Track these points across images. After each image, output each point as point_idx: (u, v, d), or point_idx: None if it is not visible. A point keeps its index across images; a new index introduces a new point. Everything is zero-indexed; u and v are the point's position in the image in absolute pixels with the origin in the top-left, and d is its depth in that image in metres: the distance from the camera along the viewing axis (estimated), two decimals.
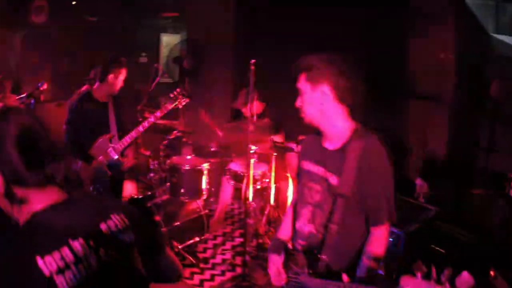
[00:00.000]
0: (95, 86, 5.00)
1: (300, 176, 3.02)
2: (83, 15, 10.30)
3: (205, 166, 5.93)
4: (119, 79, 5.02)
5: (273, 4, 7.89)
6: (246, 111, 6.33)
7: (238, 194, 6.80)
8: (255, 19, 8.54)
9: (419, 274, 1.92)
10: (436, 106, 6.34)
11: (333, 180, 2.68)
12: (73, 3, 9.93)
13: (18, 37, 9.14)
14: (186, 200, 5.86)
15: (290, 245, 3.06)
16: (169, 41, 11.37)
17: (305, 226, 2.87)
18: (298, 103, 2.80)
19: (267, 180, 6.06)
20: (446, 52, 6.24)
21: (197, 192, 5.90)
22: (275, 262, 2.96)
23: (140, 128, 5.07)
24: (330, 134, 2.78)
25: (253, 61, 4.68)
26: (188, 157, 6.16)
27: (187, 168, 5.78)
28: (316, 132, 2.89)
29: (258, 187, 6.07)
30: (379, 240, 2.68)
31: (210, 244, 6.22)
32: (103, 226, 1.74)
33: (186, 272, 5.53)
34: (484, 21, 6.30)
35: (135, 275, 1.86)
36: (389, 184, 2.70)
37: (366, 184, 2.60)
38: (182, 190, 5.78)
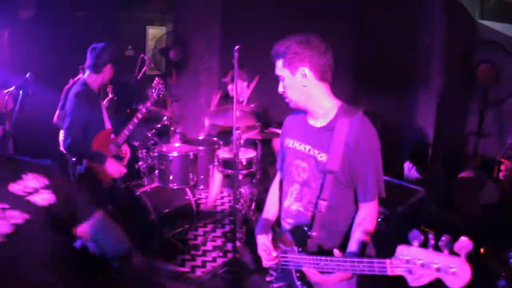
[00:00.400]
0: (89, 77, 4.85)
1: (285, 154, 3.00)
2: (69, 10, 10.25)
3: (192, 153, 5.93)
4: (112, 70, 4.98)
5: None
6: (232, 92, 6.38)
7: (227, 181, 6.85)
8: (240, 7, 8.54)
9: (415, 242, 1.93)
10: (425, 90, 6.36)
11: (321, 157, 2.67)
12: None
13: (4, 32, 9.09)
14: (175, 187, 5.84)
15: (276, 225, 3.08)
16: (155, 33, 11.34)
17: (293, 205, 2.86)
18: (280, 89, 2.81)
19: (255, 166, 6.05)
20: (433, 38, 6.26)
21: (186, 179, 5.89)
22: (264, 242, 2.97)
23: (135, 120, 5.03)
24: (316, 112, 2.77)
25: (237, 47, 4.67)
26: (176, 144, 6.16)
27: (175, 155, 5.75)
28: (298, 110, 2.90)
29: (246, 173, 6.07)
30: (369, 215, 2.68)
31: (200, 231, 6.24)
32: None
33: (178, 259, 5.54)
34: (469, 7, 6.32)
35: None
36: (378, 159, 2.70)
37: (355, 159, 2.60)
38: (170, 177, 5.77)
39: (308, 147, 2.77)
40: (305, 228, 2.71)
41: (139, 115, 5.06)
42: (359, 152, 2.59)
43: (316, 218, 2.68)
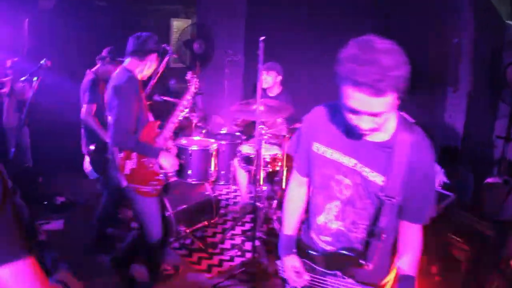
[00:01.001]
0: (131, 64, 4.55)
1: (316, 161, 2.56)
2: (93, 0, 10.23)
3: (214, 147, 5.72)
4: (157, 62, 4.77)
5: None
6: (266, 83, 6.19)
7: (249, 178, 6.69)
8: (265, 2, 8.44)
9: None
10: (454, 92, 6.15)
11: (373, 176, 2.33)
12: None
13: (26, 21, 9.07)
14: (194, 183, 5.65)
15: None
16: (180, 25, 11.25)
17: (332, 223, 2.54)
18: (368, 126, 2.13)
19: (279, 163, 5.85)
20: (461, 38, 6.04)
21: (205, 174, 5.68)
22: (293, 264, 2.71)
23: (178, 112, 4.60)
24: None
25: (262, 38, 4.48)
26: (197, 138, 5.98)
27: (194, 149, 5.53)
28: (333, 108, 2.52)
29: (270, 170, 5.87)
30: (420, 237, 2.44)
31: (219, 228, 6.06)
32: None
33: (194, 257, 5.39)
34: (498, 7, 6.10)
35: None
36: (435, 180, 2.46)
37: (415, 182, 2.28)
38: (189, 172, 5.55)
39: (354, 161, 2.39)
40: (362, 262, 2.41)
41: (182, 109, 4.71)
42: (421, 176, 2.30)
43: (371, 248, 2.38)
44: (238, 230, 6.05)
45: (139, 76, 4.20)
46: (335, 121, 2.49)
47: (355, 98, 2.02)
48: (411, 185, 2.27)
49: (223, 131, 6.73)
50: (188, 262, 5.27)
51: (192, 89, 4.72)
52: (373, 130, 2.16)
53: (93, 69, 5.73)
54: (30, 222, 4.76)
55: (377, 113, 2.05)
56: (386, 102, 2.02)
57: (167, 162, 4.21)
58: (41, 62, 4.66)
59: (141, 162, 4.13)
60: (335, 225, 2.52)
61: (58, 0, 9.27)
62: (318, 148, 2.53)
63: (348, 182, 2.42)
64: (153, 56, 4.24)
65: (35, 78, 4.50)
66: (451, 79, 6.00)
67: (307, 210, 2.76)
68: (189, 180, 5.57)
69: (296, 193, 2.85)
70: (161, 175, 4.25)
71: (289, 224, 2.84)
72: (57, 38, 8.76)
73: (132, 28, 10.66)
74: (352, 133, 2.33)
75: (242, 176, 6.42)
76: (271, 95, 6.27)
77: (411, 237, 2.44)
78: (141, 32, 4.21)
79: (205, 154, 5.61)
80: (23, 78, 4.79)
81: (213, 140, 5.95)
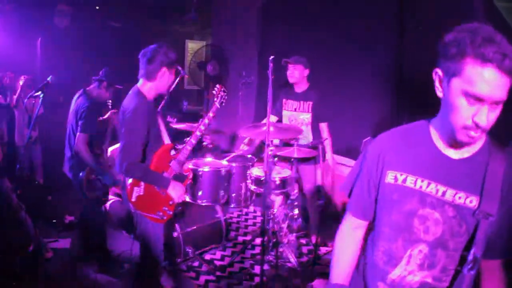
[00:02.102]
0: (143, 86, 4.37)
1: (389, 195, 2.11)
2: (107, 20, 10.31)
3: (225, 169, 5.67)
4: (171, 74, 4.60)
5: (296, 8, 7.84)
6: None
7: (259, 200, 6.64)
8: (279, 22, 8.44)
9: None
10: None
11: (471, 201, 1.93)
12: (97, 8, 9.91)
13: (39, 40, 9.16)
14: (204, 204, 5.56)
15: None
16: (194, 47, 11.29)
17: (414, 275, 2.05)
18: (485, 121, 1.77)
19: (289, 186, 5.77)
20: None
21: (216, 196, 5.62)
22: None
23: (198, 133, 4.46)
24: None
25: (271, 57, 4.44)
26: (208, 159, 5.93)
27: (205, 170, 5.47)
28: (403, 132, 2.19)
29: (279, 193, 5.79)
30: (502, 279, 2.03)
31: (228, 251, 5.97)
32: None
33: (201, 279, 5.30)
34: (508, 19, 6.07)
35: None
36: None
37: (507, 208, 1.92)
38: (199, 193, 5.49)
39: (443, 188, 1.96)
40: None
41: (202, 128, 4.49)
42: None
43: (458, 282, 1.96)
44: (247, 253, 5.96)
45: (153, 96, 4.09)
46: (412, 143, 2.11)
47: (482, 78, 1.71)
48: (506, 206, 1.91)
49: (234, 154, 6.67)
50: (195, 285, 5.18)
51: (217, 104, 4.65)
52: (484, 130, 1.81)
53: (88, 89, 5.52)
54: (37, 238, 4.73)
55: (500, 100, 1.75)
56: (506, 88, 1.74)
57: (175, 193, 4.12)
58: (48, 78, 4.64)
59: (149, 189, 4.04)
60: (418, 277, 2.05)
61: (72, 19, 9.35)
62: (396, 177, 2.09)
63: (437, 216, 1.98)
64: (164, 71, 4.03)
65: (40, 94, 4.48)
66: None
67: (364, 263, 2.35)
68: (199, 202, 5.49)
69: (350, 238, 2.42)
70: (171, 203, 4.16)
71: (341, 273, 2.38)
72: (70, 56, 8.82)
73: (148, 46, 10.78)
74: (435, 153, 2.01)
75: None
76: (298, 91, 6.10)
77: (492, 277, 2.04)
78: (148, 47, 4.04)
79: (217, 175, 5.55)
80: (28, 96, 4.78)
81: (225, 162, 5.90)
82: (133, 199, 3.97)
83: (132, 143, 3.79)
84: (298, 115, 6.02)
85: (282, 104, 6.12)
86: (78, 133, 5.13)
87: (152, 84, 4.01)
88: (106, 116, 5.72)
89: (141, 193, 3.99)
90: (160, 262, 4.35)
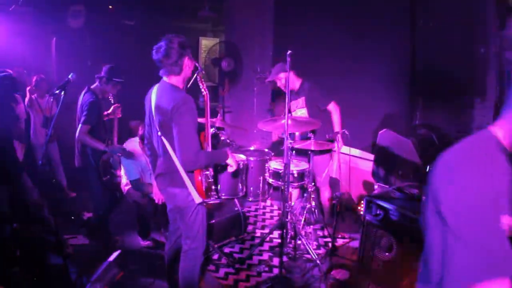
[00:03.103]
0: (171, 79, 4.41)
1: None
2: (120, 19, 10.38)
3: (243, 163, 5.80)
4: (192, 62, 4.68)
5: (310, 3, 7.89)
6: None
7: (277, 193, 6.71)
8: (292, 19, 8.49)
9: None
10: (482, 102, 6.10)
11: None
12: (110, 7, 9.99)
13: (53, 40, 9.26)
14: (223, 198, 5.71)
15: None
16: (208, 44, 11.35)
17: None
18: None
19: (307, 178, 5.84)
20: (487, 47, 5.99)
21: (235, 189, 5.77)
22: None
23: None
24: None
25: (289, 52, 4.51)
26: None
27: (223, 164, 5.53)
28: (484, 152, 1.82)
29: (297, 185, 5.87)
30: None
31: (247, 244, 6.04)
32: None
33: (221, 272, 5.37)
34: None
35: None
36: None
37: None
38: (218, 187, 5.63)
39: None
40: None
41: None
42: None
43: None
44: (266, 246, 6.02)
45: (183, 86, 4.10)
46: (489, 170, 1.71)
47: None
48: None
49: (252, 148, 6.73)
50: (215, 278, 5.25)
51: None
52: None
53: (93, 87, 5.79)
54: (57, 235, 4.81)
55: None
56: None
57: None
58: (69, 76, 4.71)
59: (204, 175, 4.06)
60: None
61: (86, 19, 9.43)
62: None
63: None
64: (186, 61, 3.99)
65: (62, 93, 4.53)
66: (478, 90, 5.95)
67: None
68: (219, 195, 5.63)
69: None
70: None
71: None
72: (85, 56, 8.91)
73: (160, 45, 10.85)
74: None
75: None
76: (295, 90, 6.18)
77: None
78: (159, 45, 4.00)
79: (235, 169, 5.63)
80: (51, 93, 4.82)
81: (242, 156, 5.99)
82: (205, 192, 4.02)
83: (192, 133, 3.77)
84: (295, 112, 6.12)
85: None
86: (80, 125, 5.50)
87: (180, 77, 4.01)
88: (110, 110, 6.09)
89: (201, 178, 3.97)
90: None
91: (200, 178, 3.95)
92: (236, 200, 5.98)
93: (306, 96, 6.05)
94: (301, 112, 6.06)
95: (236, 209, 5.95)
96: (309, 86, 6.05)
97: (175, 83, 3.99)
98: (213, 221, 5.64)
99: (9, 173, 5.65)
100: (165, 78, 4.03)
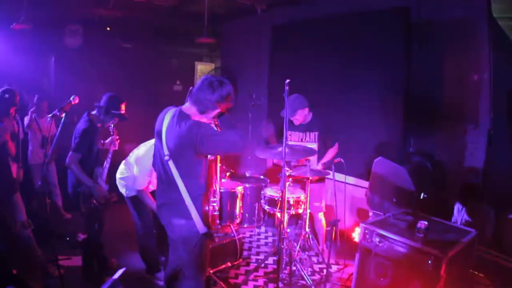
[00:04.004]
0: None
1: None
2: (117, 41, 10.48)
3: (239, 189, 5.86)
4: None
5: (305, 30, 8.00)
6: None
7: (272, 220, 6.76)
8: (287, 44, 8.60)
9: None
10: (474, 129, 6.18)
11: None
12: (108, 29, 10.09)
13: (52, 60, 9.33)
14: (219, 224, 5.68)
15: None
16: (203, 69, 11.44)
17: None
18: None
19: (303, 206, 5.91)
20: (480, 74, 6.09)
21: (231, 216, 5.83)
22: None
23: None
24: None
25: (287, 80, 4.59)
26: (223, 180, 6.12)
27: (221, 191, 5.63)
28: None
29: (293, 213, 5.93)
30: None
31: (242, 270, 6.06)
32: None
33: None
34: None
35: None
36: None
37: None
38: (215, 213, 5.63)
39: None
40: None
41: None
42: None
43: None
44: (261, 272, 6.04)
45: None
46: None
47: None
48: None
49: (247, 174, 6.79)
50: None
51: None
52: None
53: (92, 113, 5.59)
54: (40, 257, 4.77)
55: None
56: None
57: None
58: (70, 98, 4.76)
59: (211, 206, 4.04)
60: None
61: (84, 39, 9.51)
62: None
63: None
64: (215, 112, 3.94)
65: (63, 114, 4.57)
66: (471, 116, 6.05)
67: None
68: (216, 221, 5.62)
69: None
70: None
71: None
72: (82, 76, 8.97)
73: (158, 67, 10.97)
74: None
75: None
76: (305, 123, 6.27)
77: None
78: (215, 78, 3.88)
79: (232, 196, 5.74)
80: (50, 115, 4.83)
81: (239, 183, 6.05)
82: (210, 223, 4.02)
83: (223, 136, 3.88)
84: (304, 145, 6.13)
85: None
86: (70, 152, 5.32)
87: (201, 117, 3.91)
88: (108, 141, 5.88)
89: (208, 209, 3.97)
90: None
91: (207, 207, 3.94)
92: (232, 226, 6.00)
93: (319, 133, 6.17)
94: (310, 146, 6.08)
95: (231, 235, 5.98)
96: (324, 124, 6.22)
97: (191, 115, 3.88)
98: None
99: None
100: (186, 104, 3.95)
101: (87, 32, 9.60)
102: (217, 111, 3.91)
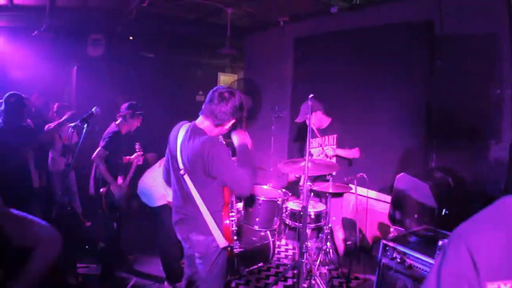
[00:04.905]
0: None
1: None
2: (139, 51, 10.56)
3: (281, 199, 6.15)
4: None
5: (327, 43, 8.00)
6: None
7: (293, 233, 6.77)
8: (310, 58, 8.62)
9: None
10: (497, 144, 6.13)
11: None
12: (130, 38, 10.17)
13: (74, 68, 9.44)
14: (258, 229, 6.14)
15: None
16: (226, 80, 11.48)
17: None
18: None
19: (324, 220, 5.91)
20: (503, 89, 6.03)
21: (270, 222, 6.12)
22: None
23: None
24: None
25: (311, 95, 4.60)
26: (264, 187, 6.53)
27: (264, 199, 6.00)
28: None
29: (313, 226, 5.94)
30: None
31: (262, 283, 6.05)
32: None
33: None
34: None
35: None
36: None
37: None
38: (257, 219, 6.03)
39: None
40: None
41: None
42: None
43: None
44: (280, 285, 6.04)
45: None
46: (504, 237, 1.53)
47: None
48: None
49: (269, 186, 6.82)
50: None
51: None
52: None
53: (117, 123, 6.05)
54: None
55: None
56: None
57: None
58: (92, 109, 4.81)
59: (231, 220, 3.93)
60: None
61: (106, 49, 9.60)
62: None
63: None
64: (230, 123, 3.85)
65: (85, 125, 4.62)
66: (493, 131, 5.99)
67: None
68: (255, 227, 6.04)
69: None
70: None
71: None
72: (104, 85, 9.05)
73: (181, 77, 11.03)
74: None
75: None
76: (322, 127, 6.28)
77: None
78: (225, 89, 3.81)
79: (273, 205, 6.03)
80: (72, 124, 4.88)
81: (280, 192, 6.31)
82: (231, 237, 3.92)
83: (236, 170, 3.66)
84: (324, 149, 6.13)
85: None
86: (99, 148, 5.72)
87: (215, 129, 3.82)
88: (133, 157, 6.32)
89: (228, 223, 3.87)
90: None
91: (228, 221, 3.86)
92: (268, 232, 6.22)
93: (338, 135, 6.17)
94: (330, 149, 6.12)
95: (266, 239, 6.28)
96: (342, 127, 6.24)
97: (206, 129, 3.81)
98: (246, 247, 5.94)
99: (19, 197, 5.64)
100: (200, 119, 3.87)
101: (109, 42, 9.69)
102: (232, 121, 3.84)
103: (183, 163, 3.77)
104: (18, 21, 8.56)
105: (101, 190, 5.92)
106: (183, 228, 3.99)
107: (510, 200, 1.63)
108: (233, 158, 3.87)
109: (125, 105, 6.16)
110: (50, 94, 9.13)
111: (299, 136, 6.97)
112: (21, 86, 7.36)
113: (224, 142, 3.87)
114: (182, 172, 3.78)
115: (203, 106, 3.84)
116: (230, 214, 3.91)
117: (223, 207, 3.87)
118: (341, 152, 6.10)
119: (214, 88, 3.84)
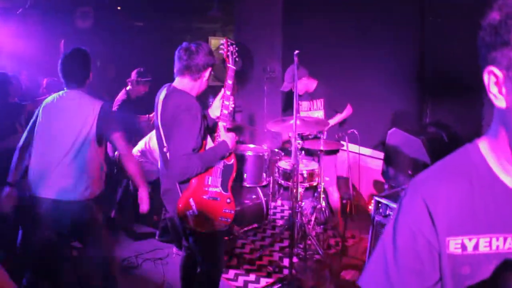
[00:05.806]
0: (185, 85, 4.06)
1: (461, 269, 1.34)
2: (129, 20, 10.42)
3: (267, 154, 6.12)
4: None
5: (318, 1, 7.87)
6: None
7: (287, 194, 6.72)
8: (300, 17, 8.49)
9: None
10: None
11: None
12: (118, 8, 10.01)
13: (62, 42, 9.29)
14: (248, 186, 6.03)
15: None
16: (217, 44, 11.33)
17: None
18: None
19: (317, 179, 5.83)
20: None
21: (259, 178, 6.02)
22: None
23: (224, 100, 3.85)
24: None
25: (296, 52, 4.49)
26: (250, 145, 6.55)
27: (250, 154, 5.98)
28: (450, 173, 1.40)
29: (307, 185, 5.86)
30: None
31: (257, 245, 6.04)
32: None
33: (230, 273, 5.36)
34: None
35: None
36: None
37: None
38: (244, 176, 5.95)
39: None
40: None
41: (227, 94, 3.82)
42: None
43: None
44: (276, 246, 6.02)
45: (195, 95, 3.69)
46: (467, 186, 1.35)
47: None
48: None
49: (264, 147, 6.74)
50: (224, 279, 5.18)
51: (231, 65, 3.90)
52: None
53: (127, 89, 6.62)
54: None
55: None
56: None
57: (232, 143, 3.70)
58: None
59: (201, 205, 3.59)
60: None
61: (95, 20, 9.46)
62: (463, 243, 1.33)
63: None
64: (207, 72, 3.69)
65: None
66: None
67: None
68: (244, 184, 5.95)
69: None
70: (228, 201, 3.74)
71: None
72: (94, 58, 8.95)
73: (171, 46, 10.90)
74: (504, 191, 1.32)
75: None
76: (309, 91, 6.19)
77: None
78: (189, 43, 3.66)
79: (260, 159, 5.97)
80: None
81: (265, 147, 6.34)
82: (192, 224, 3.60)
83: (185, 138, 3.38)
84: (312, 113, 6.11)
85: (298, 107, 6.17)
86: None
87: (195, 83, 3.67)
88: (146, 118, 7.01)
89: (196, 213, 3.57)
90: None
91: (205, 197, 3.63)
92: (258, 189, 6.22)
93: (325, 99, 6.07)
94: (318, 114, 6.06)
95: (258, 198, 6.30)
96: (328, 90, 6.12)
97: (186, 88, 3.65)
98: (238, 208, 5.71)
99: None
100: (177, 80, 3.71)
101: (97, 13, 9.55)
102: (209, 70, 3.69)
103: (166, 140, 3.61)
104: (2, 1, 8.44)
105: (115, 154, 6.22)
106: (169, 198, 3.78)
107: (473, 147, 1.42)
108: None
109: (135, 71, 7.04)
110: (39, 71, 8.99)
111: (288, 105, 6.90)
112: (8, 66, 7.46)
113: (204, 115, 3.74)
114: (165, 150, 3.61)
115: (174, 68, 3.71)
116: (204, 189, 3.64)
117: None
118: (335, 121, 6.06)
119: (178, 48, 3.70)
